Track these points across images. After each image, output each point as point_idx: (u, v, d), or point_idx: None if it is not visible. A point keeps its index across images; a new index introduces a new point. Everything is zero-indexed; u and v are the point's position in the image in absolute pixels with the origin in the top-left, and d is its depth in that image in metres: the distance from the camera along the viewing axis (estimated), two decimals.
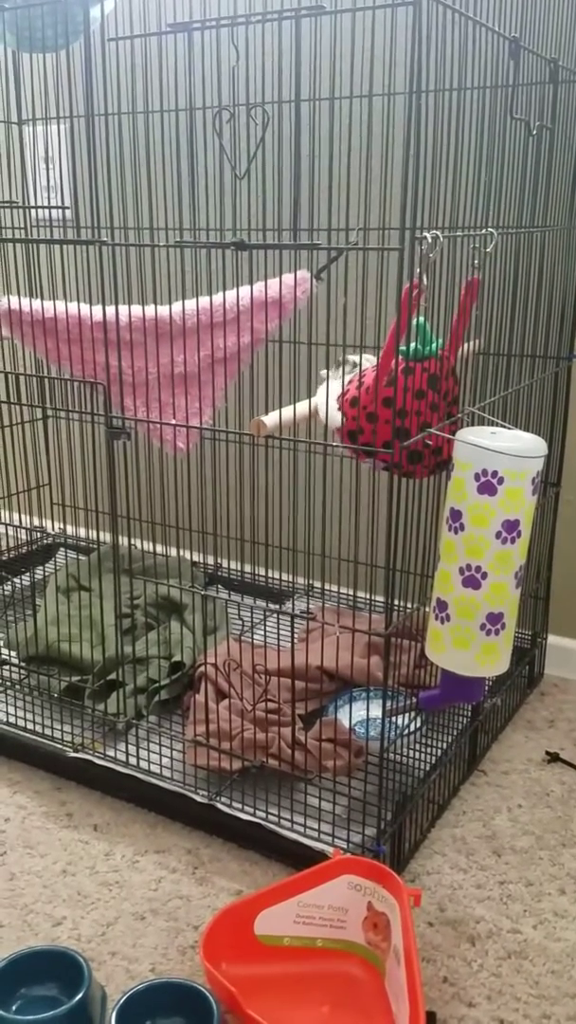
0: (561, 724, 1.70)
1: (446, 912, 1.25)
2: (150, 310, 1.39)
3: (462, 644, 1.15)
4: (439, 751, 1.44)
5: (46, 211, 2.08)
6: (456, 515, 1.12)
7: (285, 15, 1.18)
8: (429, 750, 1.43)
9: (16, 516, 2.20)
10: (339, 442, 1.24)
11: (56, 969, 1.06)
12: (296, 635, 1.78)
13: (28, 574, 2.10)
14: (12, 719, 1.56)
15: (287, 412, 1.24)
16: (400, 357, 1.11)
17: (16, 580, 2.07)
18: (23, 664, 1.65)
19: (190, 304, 1.39)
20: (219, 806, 1.35)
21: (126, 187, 1.83)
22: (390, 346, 1.14)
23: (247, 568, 2.09)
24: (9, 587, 2.03)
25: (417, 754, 1.41)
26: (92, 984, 1.03)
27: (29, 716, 1.56)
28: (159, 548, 2.16)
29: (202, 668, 1.57)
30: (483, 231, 1.20)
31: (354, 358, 1.30)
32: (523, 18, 1.31)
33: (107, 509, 1.90)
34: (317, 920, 1.14)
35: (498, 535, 1.10)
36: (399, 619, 1.20)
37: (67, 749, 1.48)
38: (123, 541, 2.09)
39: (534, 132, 1.38)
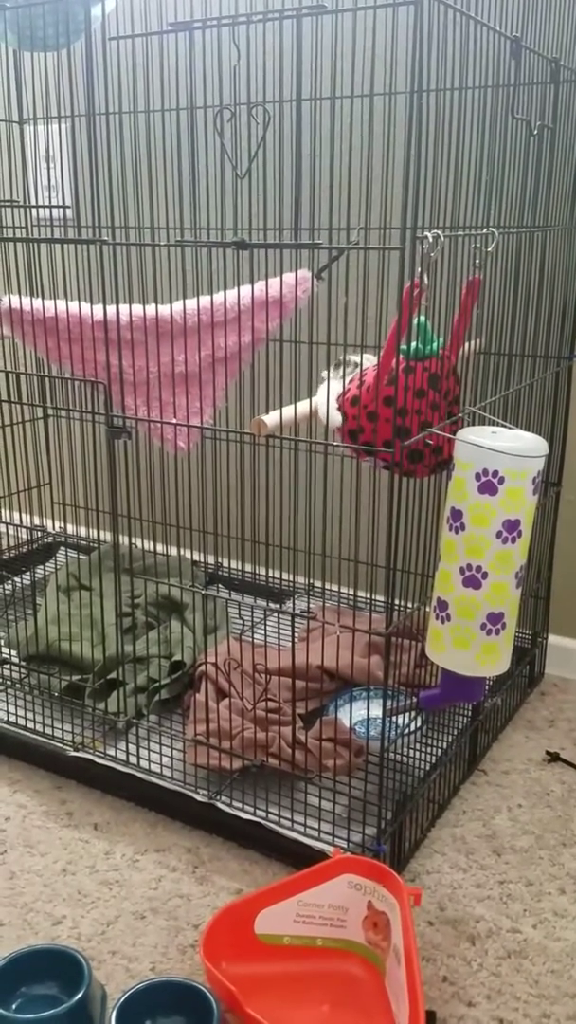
0: (561, 724, 1.70)
1: (446, 911, 1.25)
2: (151, 309, 1.39)
3: (462, 644, 1.15)
4: (439, 751, 1.44)
5: (47, 210, 2.08)
6: (457, 515, 1.12)
7: (286, 14, 1.18)
8: (429, 750, 1.43)
9: (17, 515, 2.20)
10: (339, 441, 1.24)
11: (56, 968, 1.06)
12: (296, 634, 1.78)
13: (28, 573, 2.10)
14: (12, 718, 1.56)
15: (288, 412, 1.24)
16: (401, 356, 1.11)
17: (17, 579, 2.07)
18: (23, 663, 1.65)
19: (191, 303, 1.39)
20: (219, 805, 1.35)
21: (127, 186, 1.83)
22: (391, 345, 1.14)
23: (247, 567, 2.09)
24: (10, 586, 2.03)
25: (417, 753, 1.41)
26: (92, 983, 1.03)
27: (29, 715, 1.56)
28: (160, 547, 2.16)
29: (202, 667, 1.57)
30: (484, 231, 1.20)
31: (354, 358, 1.30)
32: (524, 18, 1.31)
33: (108, 508, 1.90)
34: (317, 919, 1.14)
35: (499, 535, 1.10)
36: (399, 619, 1.20)
37: (67, 748, 1.48)
38: (124, 540, 2.09)
39: (535, 132, 1.38)
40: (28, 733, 1.53)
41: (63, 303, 1.41)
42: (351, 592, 1.98)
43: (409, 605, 1.25)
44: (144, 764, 1.43)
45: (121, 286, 1.84)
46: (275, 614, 1.93)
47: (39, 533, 2.15)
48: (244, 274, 1.52)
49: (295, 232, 1.61)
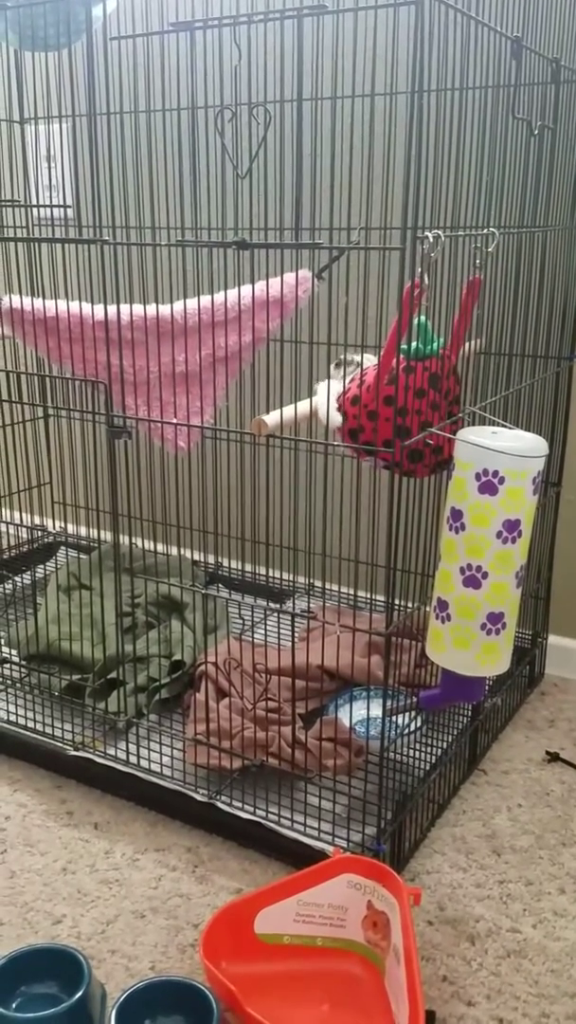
0: (561, 724, 1.70)
1: (446, 911, 1.25)
2: (151, 309, 1.39)
3: (462, 644, 1.15)
4: (439, 750, 1.44)
5: (48, 210, 2.08)
6: (457, 514, 1.12)
7: (287, 14, 1.19)
8: (429, 749, 1.43)
9: (17, 515, 2.20)
10: (339, 440, 1.24)
11: (56, 967, 1.06)
12: (296, 634, 1.78)
13: (29, 573, 2.10)
14: (13, 717, 1.56)
15: (288, 411, 1.24)
16: (401, 356, 1.11)
17: (17, 579, 2.07)
18: (24, 662, 1.65)
19: (191, 303, 1.39)
20: (219, 805, 1.35)
21: (128, 186, 1.83)
22: (391, 345, 1.14)
23: (248, 567, 2.09)
24: (10, 586, 2.03)
25: (417, 753, 1.41)
26: (92, 982, 1.03)
27: (30, 714, 1.56)
28: (160, 547, 2.16)
29: (202, 667, 1.57)
30: (485, 231, 1.20)
31: (355, 357, 1.30)
32: (525, 18, 1.31)
33: (108, 508, 1.91)
34: (317, 919, 1.14)
35: (499, 535, 1.10)
36: (400, 618, 1.20)
37: (67, 747, 1.48)
38: (124, 540, 2.09)
39: (536, 132, 1.38)
40: (28, 732, 1.53)
41: (64, 303, 1.41)
42: (351, 592, 1.98)
43: (409, 605, 1.25)
44: (144, 764, 1.43)
45: (122, 286, 1.84)
46: (275, 614, 1.93)
47: (39, 533, 2.15)
48: (245, 274, 1.52)
49: (296, 232, 1.61)
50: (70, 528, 2.34)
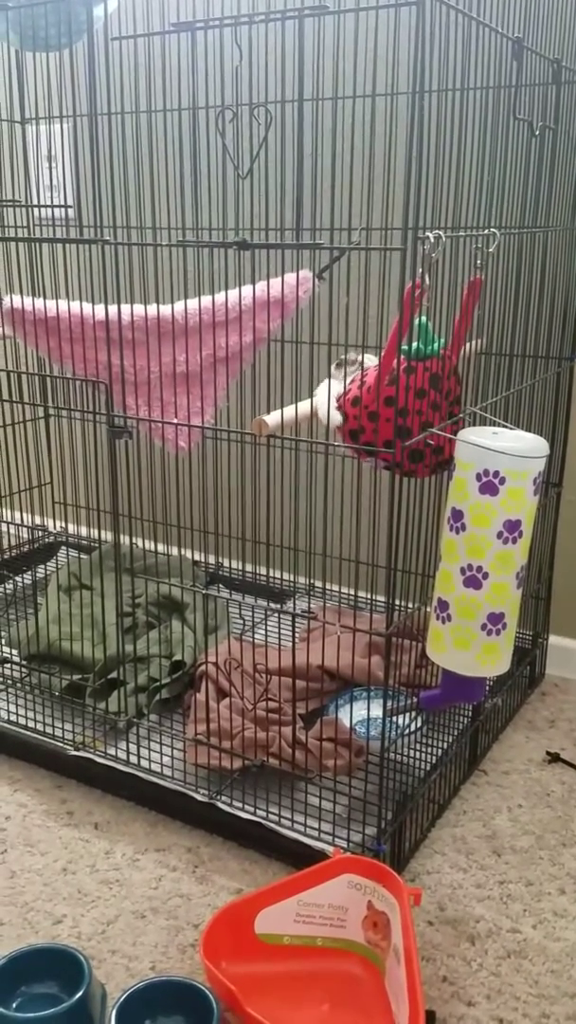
0: (562, 724, 1.70)
1: (446, 911, 1.25)
2: (152, 309, 1.40)
3: (463, 644, 1.15)
4: (440, 751, 1.44)
5: (49, 210, 2.08)
6: (457, 515, 1.12)
7: (288, 15, 1.19)
8: (430, 750, 1.43)
9: (18, 515, 2.20)
10: (340, 441, 1.24)
11: (56, 967, 1.06)
12: (297, 634, 1.78)
13: (30, 573, 2.10)
14: (13, 717, 1.56)
15: (289, 412, 1.24)
16: (402, 356, 1.11)
17: (18, 578, 2.07)
18: (24, 662, 1.65)
19: (192, 303, 1.39)
20: (219, 805, 1.35)
21: (129, 186, 1.83)
22: (392, 345, 1.14)
23: (248, 567, 2.09)
24: (11, 585, 2.03)
25: (418, 754, 1.41)
26: (92, 982, 1.03)
27: (30, 714, 1.56)
28: (160, 547, 2.16)
29: (203, 667, 1.57)
30: (486, 231, 1.20)
31: (356, 357, 1.30)
32: (526, 18, 1.31)
33: (109, 508, 1.91)
34: (317, 919, 1.14)
35: (499, 535, 1.10)
36: (400, 619, 1.20)
37: (68, 747, 1.48)
38: (124, 540, 2.09)
39: (537, 133, 1.38)
40: (29, 732, 1.53)
41: (65, 303, 1.41)
42: (352, 592, 1.98)
43: (410, 605, 1.25)
44: (144, 764, 1.43)
45: (123, 286, 1.84)
46: (276, 614, 1.93)
47: (40, 532, 2.15)
48: (245, 274, 1.52)
49: (296, 232, 1.61)
50: (71, 528, 2.34)
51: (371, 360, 1.31)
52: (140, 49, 1.73)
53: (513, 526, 1.10)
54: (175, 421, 1.44)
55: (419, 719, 1.43)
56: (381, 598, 1.81)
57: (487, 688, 1.56)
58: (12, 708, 1.58)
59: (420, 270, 1.05)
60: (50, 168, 2.04)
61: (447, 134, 1.12)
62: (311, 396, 1.31)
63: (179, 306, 1.39)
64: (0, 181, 1.99)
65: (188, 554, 2.12)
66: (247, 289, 1.37)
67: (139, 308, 1.40)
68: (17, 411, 1.94)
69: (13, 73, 1.94)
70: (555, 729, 1.69)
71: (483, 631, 1.14)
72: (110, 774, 1.44)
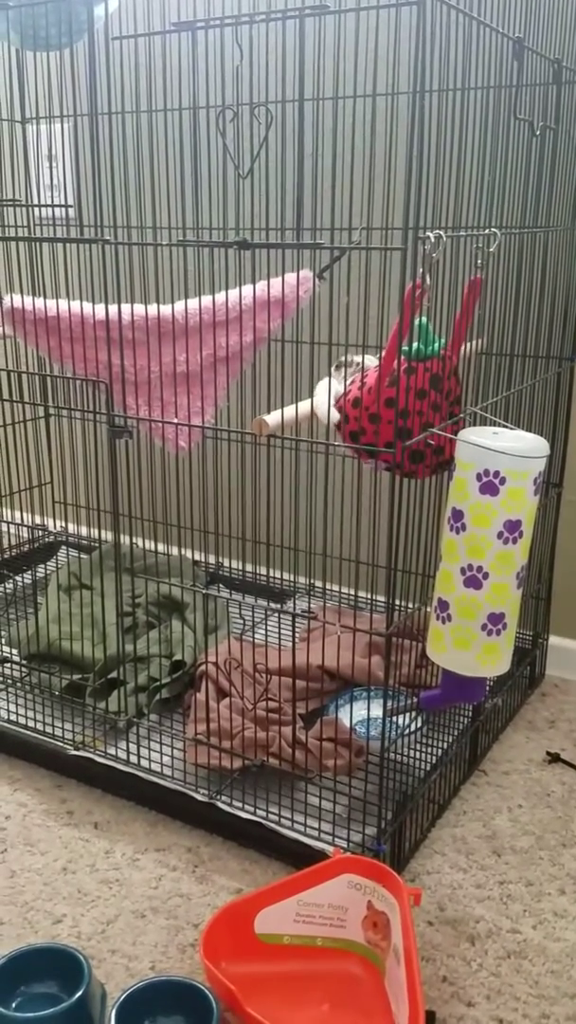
0: (562, 725, 1.70)
1: (446, 911, 1.25)
2: (153, 309, 1.40)
3: (463, 644, 1.15)
4: (440, 751, 1.44)
5: (49, 209, 2.08)
6: (458, 515, 1.12)
7: (289, 14, 1.19)
8: (430, 750, 1.43)
9: (18, 514, 2.20)
10: (339, 439, 1.24)
11: (56, 967, 1.06)
12: (297, 634, 1.78)
13: (30, 572, 2.10)
14: (13, 717, 1.56)
15: (289, 411, 1.24)
16: (403, 357, 1.11)
17: (18, 578, 2.07)
18: (24, 662, 1.65)
19: (192, 303, 1.39)
20: (219, 805, 1.35)
21: (129, 186, 1.83)
22: (392, 346, 1.14)
23: (248, 567, 2.09)
24: (11, 585, 2.03)
25: (418, 754, 1.41)
26: (92, 982, 1.03)
27: (30, 714, 1.56)
28: (160, 547, 2.16)
29: (203, 667, 1.57)
30: (486, 231, 1.20)
31: (356, 358, 1.30)
32: (527, 18, 1.31)
33: (109, 507, 1.91)
34: (317, 919, 1.14)
35: (500, 535, 1.10)
36: (400, 619, 1.20)
37: (68, 747, 1.48)
38: (124, 540, 2.09)
39: (537, 133, 1.38)
40: (29, 732, 1.53)
41: (65, 302, 1.41)
42: (352, 592, 1.98)
43: (410, 605, 1.25)
44: (144, 763, 1.43)
45: (123, 285, 1.84)
46: (276, 614, 1.93)
47: (40, 532, 2.15)
48: (246, 274, 1.52)
49: (297, 232, 1.61)
50: (71, 528, 2.34)
51: (371, 361, 1.31)
52: (141, 49, 1.73)
53: (513, 526, 1.10)
54: (175, 421, 1.43)
55: (419, 719, 1.43)
56: (381, 598, 1.82)
57: (487, 688, 1.56)
58: (12, 708, 1.58)
59: (421, 270, 1.05)
60: (50, 167, 2.04)
61: (448, 134, 1.12)
62: (311, 396, 1.31)
63: (179, 306, 1.39)
64: (0, 180, 1.99)
65: (188, 554, 2.12)
66: (247, 289, 1.37)
67: (139, 308, 1.40)
68: (17, 411, 1.94)
69: (14, 72, 1.94)
70: (555, 729, 1.69)
71: (483, 631, 1.14)
72: (110, 774, 1.44)
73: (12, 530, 1.81)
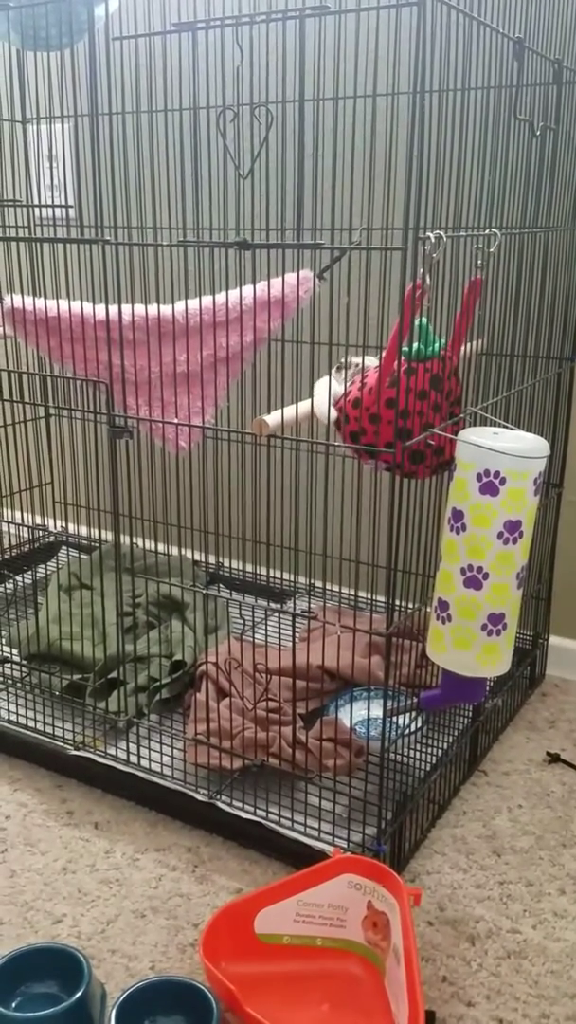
0: (562, 725, 1.70)
1: (446, 912, 1.25)
2: (153, 309, 1.40)
3: (463, 644, 1.15)
4: (440, 751, 1.44)
5: (50, 210, 2.08)
6: (458, 515, 1.12)
7: (289, 15, 1.19)
8: (430, 750, 1.43)
9: (18, 514, 2.20)
10: (340, 439, 1.24)
11: (56, 966, 1.06)
12: (297, 634, 1.78)
13: (30, 572, 2.10)
14: (13, 717, 1.56)
15: (289, 412, 1.24)
16: (403, 358, 1.11)
17: (18, 578, 2.07)
18: (24, 662, 1.66)
19: (193, 303, 1.39)
20: (219, 805, 1.35)
21: (130, 186, 1.83)
22: (392, 347, 1.14)
23: (248, 567, 2.09)
24: (11, 585, 2.03)
25: (418, 754, 1.41)
26: (92, 981, 1.03)
27: (30, 714, 1.56)
28: (161, 547, 2.16)
29: (203, 667, 1.57)
30: (486, 231, 1.20)
31: (356, 360, 1.30)
32: (527, 19, 1.31)
33: (109, 508, 1.91)
34: (317, 919, 1.14)
35: (500, 535, 1.10)
36: (400, 619, 1.20)
37: (68, 747, 1.48)
38: (125, 540, 2.09)
39: (538, 133, 1.38)
40: (29, 732, 1.53)
41: (66, 303, 1.41)
42: (352, 592, 1.98)
43: (410, 605, 1.25)
44: (144, 763, 1.43)
45: (123, 286, 1.84)
46: (276, 614, 1.93)
47: (41, 532, 2.15)
48: (246, 274, 1.52)
49: (297, 232, 1.61)
50: (71, 528, 2.35)
51: (372, 362, 1.31)
52: (141, 49, 1.73)
53: (513, 526, 1.10)
54: (175, 421, 1.44)
55: (419, 719, 1.43)
56: (381, 598, 1.82)
57: (487, 688, 1.56)
58: (12, 708, 1.58)
59: (421, 270, 1.05)
60: (51, 168, 2.04)
61: (448, 134, 1.12)
62: (311, 395, 1.31)
63: (180, 306, 1.39)
64: (1, 181, 1.99)
65: (188, 554, 2.12)
66: (248, 289, 1.37)
67: (140, 308, 1.40)
68: (18, 411, 1.94)
69: (14, 73, 1.94)
70: (555, 730, 1.69)
71: (483, 631, 1.14)
72: (110, 774, 1.44)
73: (12, 530, 1.81)
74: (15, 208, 1.99)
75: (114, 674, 1.56)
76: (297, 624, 1.82)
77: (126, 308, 1.40)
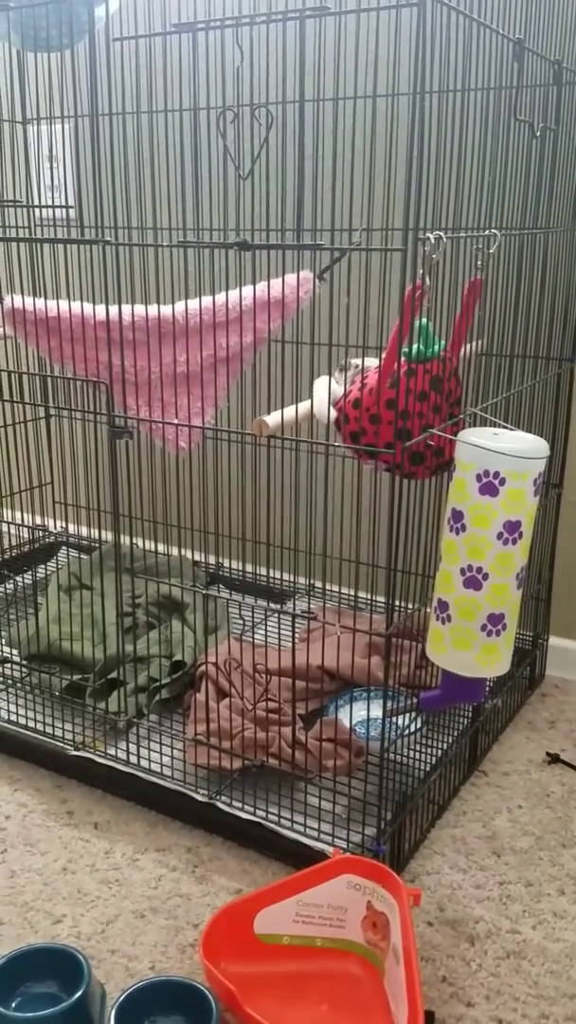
0: (562, 725, 1.70)
1: (445, 912, 1.25)
2: (153, 309, 1.40)
3: (463, 645, 1.15)
4: (439, 751, 1.44)
5: (50, 210, 2.08)
6: (458, 516, 1.12)
7: (290, 16, 1.19)
8: (429, 750, 1.43)
9: (18, 514, 2.21)
10: (340, 440, 1.24)
11: (56, 967, 1.06)
12: (297, 635, 1.78)
13: (30, 572, 2.10)
14: (13, 717, 1.56)
15: (289, 412, 1.24)
16: (403, 359, 1.11)
17: (18, 578, 2.07)
18: (24, 662, 1.66)
19: (193, 304, 1.39)
20: (219, 805, 1.35)
21: (130, 187, 1.83)
22: (393, 348, 1.14)
23: (248, 568, 2.09)
24: (11, 585, 2.04)
25: (417, 754, 1.41)
26: (92, 982, 1.03)
27: (30, 714, 1.56)
28: (160, 547, 2.16)
29: (203, 667, 1.57)
30: (486, 232, 1.20)
31: (356, 361, 1.30)
32: (527, 19, 1.31)
33: (109, 508, 1.91)
34: (316, 919, 1.14)
35: (499, 536, 1.10)
36: (400, 619, 1.20)
37: (68, 747, 1.48)
38: (125, 540, 2.09)
39: (538, 134, 1.38)
40: (29, 732, 1.53)
41: (66, 303, 1.41)
42: (352, 593, 1.98)
43: (410, 606, 1.25)
44: (144, 763, 1.43)
45: (123, 286, 1.84)
46: (276, 614, 1.93)
47: (41, 532, 2.16)
48: (246, 275, 1.52)
49: (297, 233, 1.61)
50: (71, 528, 2.35)
51: (373, 363, 1.31)
52: (141, 50, 1.73)
53: (513, 527, 1.10)
54: (175, 421, 1.44)
55: (419, 720, 1.43)
56: (381, 599, 1.82)
57: (487, 689, 1.56)
58: (12, 708, 1.58)
59: (421, 271, 1.05)
60: (51, 168, 2.04)
61: (448, 135, 1.12)
62: (311, 397, 1.31)
63: (180, 306, 1.40)
64: (1, 181, 1.99)
65: (188, 554, 2.13)
66: (247, 289, 1.37)
67: (140, 308, 1.40)
68: (18, 411, 1.94)
69: (15, 73, 1.95)
70: (555, 730, 1.69)
71: (483, 632, 1.14)
72: (110, 774, 1.44)
73: (12, 530, 1.81)
74: (15, 208, 1.99)
75: (114, 674, 1.56)
76: (297, 624, 1.83)
77: (126, 308, 1.40)
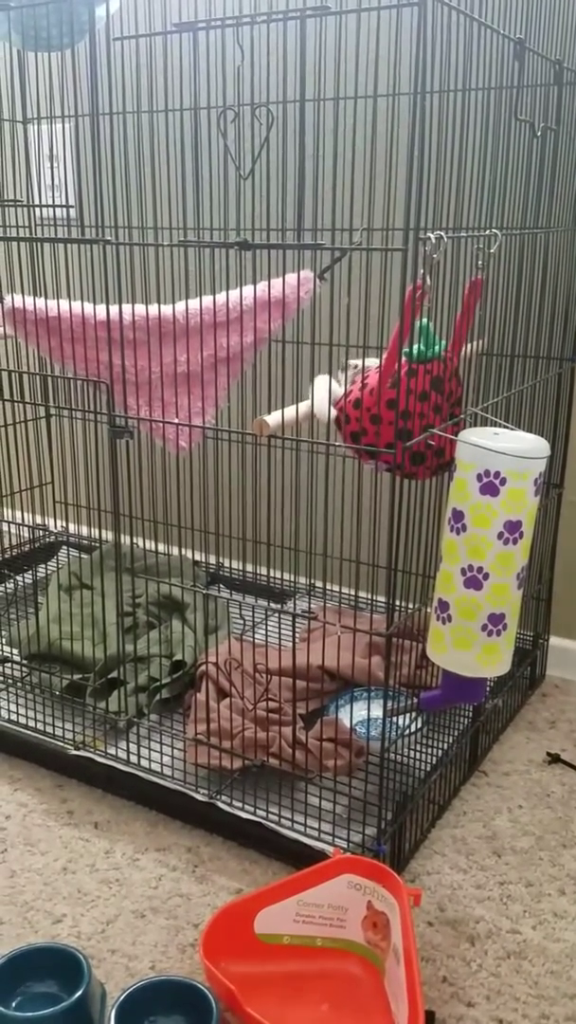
0: (562, 725, 1.70)
1: (446, 912, 1.25)
2: (153, 309, 1.40)
3: (463, 645, 1.15)
4: (440, 751, 1.44)
5: (50, 210, 2.08)
6: (458, 515, 1.12)
7: (290, 15, 1.19)
8: (430, 750, 1.43)
9: (19, 514, 2.21)
10: (340, 440, 1.24)
11: (56, 966, 1.06)
12: (297, 635, 1.78)
13: (30, 572, 2.10)
14: (13, 717, 1.56)
15: (289, 412, 1.24)
16: (404, 359, 1.11)
17: (18, 578, 2.07)
18: (25, 662, 1.66)
19: (193, 303, 1.39)
20: (220, 805, 1.35)
21: (130, 186, 1.83)
22: (393, 348, 1.14)
23: (249, 567, 2.09)
24: (11, 585, 2.04)
25: (418, 754, 1.41)
26: (92, 981, 1.03)
27: (31, 714, 1.56)
28: (161, 547, 2.16)
29: (203, 667, 1.57)
30: (487, 232, 1.20)
31: (356, 361, 1.30)
32: (528, 19, 1.31)
33: (109, 508, 1.91)
34: (317, 919, 1.14)
35: (500, 536, 1.10)
36: (400, 619, 1.20)
37: (68, 747, 1.48)
38: (125, 540, 2.09)
39: (538, 134, 1.38)
40: (29, 732, 1.53)
41: (66, 303, 1.41)
42: (352, 592, 1.98)
43: (410, 606, 1.25)
44: (145, 763, 1.43)
45: (124, 286, 1.84)
46: (276, 614, 1.93)
47: (41, 532, 2.16)
48: (247, 274, 1.52)
49: (298, 233, 1.61)
50: (71, 528, 2.35)
51: (373, 363, 1.31)
52: (142, 49, 1.73)
53: (514, 527, 1.10)
54: (176, 421, 1.44)
55: (419, 720, 1.43)
56: (381, 598, 1.82)
57: (487, 689, 1.56)
58: (12, 708, 1.58)
59: (421, 271, 1.05)
60: (52, 168, 2.04)
61: (449, 135, 1.12)
62: (312, 397, 1.31)
63: (180, 306, 1.40)
64: (2, 181, 1.99)
65: (188, 554, 2.12)
66: (248, 289, 1.37)
67: (140, 308, 1.40)
68: (18, 411, 1.94)
69: (15, 73, 1.95)
70: (555, 730, 1.69)
71: (483, 632, 1.14)
72: (110, 774, 1.44)
73: (13, 530, 1.81)
74: (16, 208, 1.99)
75: (114, 674, 1.56)
76: (297, 624, 1.83)
77: (127, 308, 1.40)
